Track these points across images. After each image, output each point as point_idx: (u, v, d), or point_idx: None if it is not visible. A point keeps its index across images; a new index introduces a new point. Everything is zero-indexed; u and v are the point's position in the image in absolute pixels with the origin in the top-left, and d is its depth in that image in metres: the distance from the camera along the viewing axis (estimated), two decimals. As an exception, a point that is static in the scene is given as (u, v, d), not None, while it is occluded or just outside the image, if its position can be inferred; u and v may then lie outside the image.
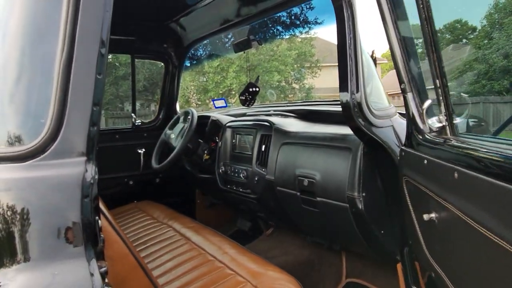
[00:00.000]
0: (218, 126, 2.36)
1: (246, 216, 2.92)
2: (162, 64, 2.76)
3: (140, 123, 2.71)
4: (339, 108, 1.93)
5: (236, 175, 2.10)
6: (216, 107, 2.79)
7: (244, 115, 2.40)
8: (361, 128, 1.30)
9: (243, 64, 14.65)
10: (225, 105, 2.78)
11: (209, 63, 13.59)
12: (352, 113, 1.28)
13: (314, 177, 1.59)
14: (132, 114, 2.66)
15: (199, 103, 15.26)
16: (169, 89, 2.78)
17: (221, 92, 13.99)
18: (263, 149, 1.92)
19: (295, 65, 16.83)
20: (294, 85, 17.43)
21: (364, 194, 1.41)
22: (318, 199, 1.59)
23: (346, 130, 1.60)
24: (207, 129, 2.39)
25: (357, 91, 1.27)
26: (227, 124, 2.26)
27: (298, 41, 17.48)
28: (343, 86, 1.29)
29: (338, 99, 1.35)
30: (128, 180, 2.69)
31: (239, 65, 14.47)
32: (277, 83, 15.38)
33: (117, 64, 13.61)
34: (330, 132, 1.63)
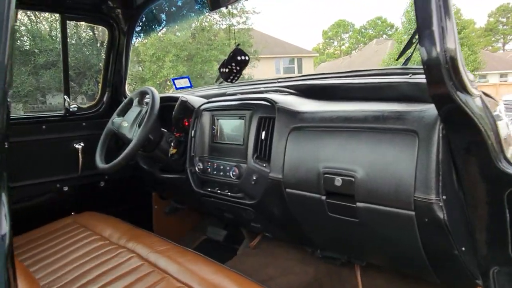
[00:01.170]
0: (188, 110, 1.79)
1: (218, 223, 2.38)
2: (106, 30, 2.09)
3: (76, 109, 2.03)
4: (361, 81, 1.48)
5: (221, 173, 1.56)
6: (177, 88, 2.19)
7: (224, 94, 1.85)
8: (451, 95, 0.85)
9: (180, 53, 13.82)
10: (189, 85, 2.19)
11: (144, 51, 12.57)
12: (442, 72, 0.82)
13: (354, 174, 1.12)
14: (65, 97, 1.97)
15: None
16: (116, 64, 2.13)
17: (158, 82, 13.03)
18: (262, 136, 1.40)
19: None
20: (233, 76, 16.91)
21: (445, 197, 0.96)
22: (360, 205, 1.12)
23: (394, 107, 1.15)
24: (174, 114, 1.80)
25: (449, 41, 0.81)
26: (203, 107, 1.71)
27: (236, 31, 17.05)
28: (425, 35, 0.82)
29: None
30: (61, 186, 2.01)
31: (176, 54, 13.61)
32: (216, 73, 14.74)
33: (36, 50, 12.03)
34: (374, 109, 1.16)
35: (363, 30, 46.36)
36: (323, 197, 1.21)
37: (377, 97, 1.35)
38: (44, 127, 1.92)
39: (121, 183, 2.26)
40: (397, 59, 1.36)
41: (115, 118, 1.91)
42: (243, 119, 1.52)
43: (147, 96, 1.79)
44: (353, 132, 1.16)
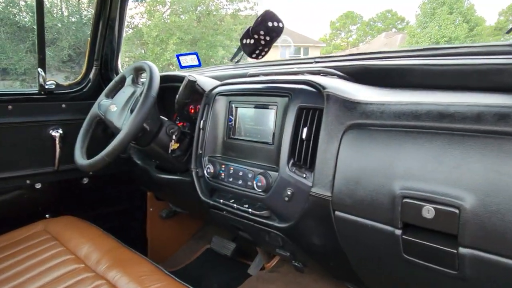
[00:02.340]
0: (197, 94, 1.38)
1: (224, 231, 1.98)
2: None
3: (54, 86, 1.61)
4: (448, 62, 1.06)
5: (240, 182, 1.14)
6: (182, 67, 1.76)
7: (244, 75, 1.42)
8: None
9: (184, 36, 13.28)
10: (198, 63, 1.76)
11: (148, 33, 12.03)
12: None
13: (459, 202, 0.70)
14: (39, 70, 1.54)
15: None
16: (106, 30, 1.69)
17: (161, 66, 12.52)
18: (303, 135, 0.98)
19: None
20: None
21: None
22: (465, 251, 0.71)
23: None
24: (177, 98, 1.39)
25: None
26: (216, 90, 1.28)
27: (243, 16, 16.53)
28: None
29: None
30: (32, 183, 1.60)
31: (180, 37, 13.07)
32: (221, 59, 14.23)
33: (35, 27, 11.53)
34: (491, 103, 0.74)
35: (371, 22, 45.46)
36: (398, 232, 0.80)
37: (476, 85, 0.93)
38: (10, 107, 1.49)
39: (110, 180, 1.85)
40: (507, 33, 0.94)
41: (103, 100, 1.49)
42: (273, 109, 1.10)
43: (144, 73, 1.37)
44: (456, 136, 0.74)
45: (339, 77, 1.15)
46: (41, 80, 1.54)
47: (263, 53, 1.22)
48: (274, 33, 1.11)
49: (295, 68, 1.30)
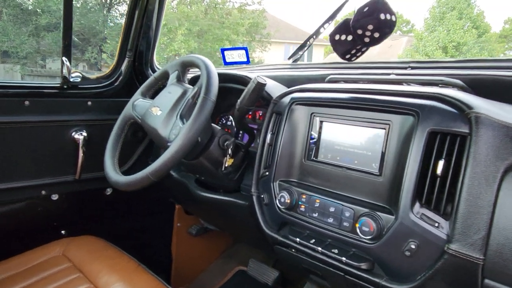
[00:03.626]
0: (263, 100, 1.12)
1: (259, 253, 1.73)
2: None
3: (79, 79, 1.33)
4: None
5: (330, 220, 0.88)
6: (226, 63, 1.49)
7: (321, 78, 1.15)
8: None
9: (192, 27, 12.94)
10: (246, 60, 1.49)
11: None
12: None
13: None
14: (64, 59, 1.26)
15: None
16: (143, 19, 1.42)
17: (165, 56, 12.17)
18: (438, 170, 0.72)
19: (247, 36, 15.46)
20: (242, 58, 16.07)
21: None
22: None
23: None
24: (240, 103, 1.11)
25: None
26: (293, 97, 1.02)
27: (250, 11, 16.18)
28: None
29: None
30: (49, 194, 1.34)
31: (188, 28, 12.73)
32: (229, 54, 13.88)
33: (39, 10, 11.12)
34: None
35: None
36: None
37: None
38: (27, 103, 1.22)
39: (136, 191, 1.59)
40: None
41: (139, 100, 1.23)
42: (383, 128, 0.83)
43: (201, 67, 1.10)
44: None
45: (463, 89, 0.88)
46: (65, 71, 1.27)
47: (358, 54, 0.95)
48: (387, 29, 0.85)
49: (391, 75, 1.03)
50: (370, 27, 0.85)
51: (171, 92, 1.13)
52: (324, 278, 0.99)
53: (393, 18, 0.86)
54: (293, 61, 1.46)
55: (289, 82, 1.25)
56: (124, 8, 11.97)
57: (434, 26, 21.00)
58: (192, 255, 1.82)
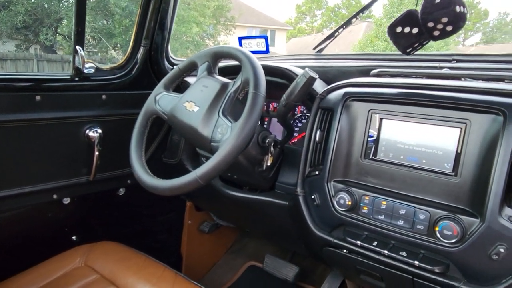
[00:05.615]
0: (309, 95, 1.06)
1: (271, 248, 1.70)
2: None
3: (93, 70, 1.20)
4: None
5: (400, 223, 0.85)
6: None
7: (357, 71, 1.10)
8: None
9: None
10: (265, 49, 1.42)
11: (116, 3, 11.05)
12: None
13: None
14: (78, 48, 1.13)
15: (95, 51, 12.47)
16: (160, 4, 1.30)
17: (128, 39, 11.62)
18: None
19: (212, 19, 15.12)
20: (207, 41, 15.71)
21: None
22: None
23: None
24: (287, 98, 1.04)
25: None
26: (346, 92, 0.97)
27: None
28: None
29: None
30: (60, 198, 1.21)
31: (150, 10, 12.18)
32: (194, 37, 13.51)
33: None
34: None
35: (336, 8, 45.67)
36: None
37: None
38: (38, 98, 1.08)
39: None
40: None
41: (162, 93, 1.13)
42: (457, 127, 0.81)
43: (242, 59, 1.01)
44: None
45: None
46: (77, 61, 1.13)
47: (418, 48, 0.92)
48: (462, 22, 0.81)
49: (444, 69, 1.00)
50: (445, 20, 0.81)
51: (208, 86, 1.04)
52: (382, 279, 0.96)
53: (466, 11, 0.82)
54: (317, 52, 1.40)
55: (319, 74, 1.19)
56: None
57: (393, 12, 21.55)
58: (201, 252, 1.75)
